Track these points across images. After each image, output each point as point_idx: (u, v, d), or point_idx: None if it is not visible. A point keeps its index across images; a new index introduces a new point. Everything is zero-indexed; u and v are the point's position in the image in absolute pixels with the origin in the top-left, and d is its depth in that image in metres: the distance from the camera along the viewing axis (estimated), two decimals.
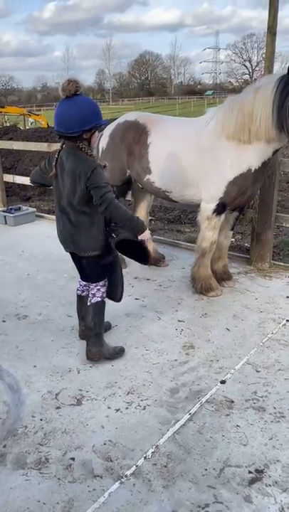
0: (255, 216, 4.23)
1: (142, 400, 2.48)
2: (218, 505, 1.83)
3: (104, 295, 2.85)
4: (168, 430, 2.25)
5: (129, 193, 4.41)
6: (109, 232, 2.68)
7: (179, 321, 3.37)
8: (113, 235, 2.66)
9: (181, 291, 3.88)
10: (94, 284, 2.82)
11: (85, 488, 1.93)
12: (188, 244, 5.00)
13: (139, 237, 2.65)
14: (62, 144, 2.58)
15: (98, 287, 2.81)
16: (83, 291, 2.97)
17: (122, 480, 1.96)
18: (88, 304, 2.84)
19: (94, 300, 2.81)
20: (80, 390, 2.58)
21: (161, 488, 1.91)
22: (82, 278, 2.95)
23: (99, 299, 2.81)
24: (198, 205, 3.66)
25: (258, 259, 4.35)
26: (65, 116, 2.46)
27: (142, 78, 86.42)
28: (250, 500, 1.85)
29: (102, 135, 4.24)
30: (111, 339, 3.09)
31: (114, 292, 2.87)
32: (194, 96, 62.89)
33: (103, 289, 2.83)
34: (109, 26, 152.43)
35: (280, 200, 7.08)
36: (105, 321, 2.96)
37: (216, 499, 1.86)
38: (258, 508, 1.81)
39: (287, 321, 3.33)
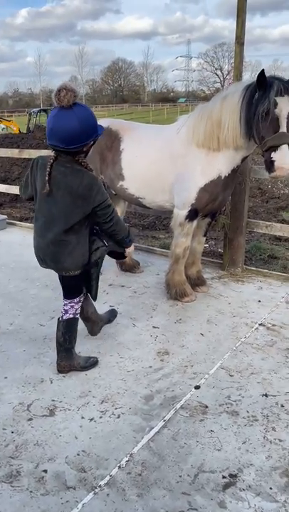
0: (227, 222, 4.28)
1: (116, 409, 2.46)
2: None
3: (78, 311, 2.79)
4: (142, 438, 2.23)
5: None
6: (95, 237, 2.61)
7: (153, 327, 3.37)
8: (104, 242, 2.63)
9: (156, 298, 3.88)
10: (68, 301, 2.73)
11: (57, 500, 1.89)
12: (163, 250, 5.02)
13: (127, 250, 2.77)
14: (56, 156, 2.39)
15: (72, 304, 2.74)
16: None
17: (96, 490, 1.93)
18: (60, 319, 2.77)
19: (65, 317, 2.74)
20: (53, 400, 2.54)
21: (135, 497, 1.90)
22: None
23: (71, 316, 2.74)
24: (171, 212, 3.69)
25: (231, 265, 4.41)
26: (65, 131, 2.27)
27: (115, 85, 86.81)
28: (225, 505, 1.85)
29: None
30: (85, 347, 3.06)
31: (90, 290, 2.78)
32: (167, 103, 63.57)
33: (77, 306, 2.76)
34: (82, 33, 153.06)
35: (251, 206, 7.22)
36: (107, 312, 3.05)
37: (191, 506, 1.85)
38: None
39: (259, 324, 3.38)
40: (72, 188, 2.37)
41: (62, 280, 2.70)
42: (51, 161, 2.39)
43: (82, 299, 2.79)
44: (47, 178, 2.36)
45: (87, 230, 2.56)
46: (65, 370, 2.79)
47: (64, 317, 2.74)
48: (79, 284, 2.71)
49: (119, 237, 2.65)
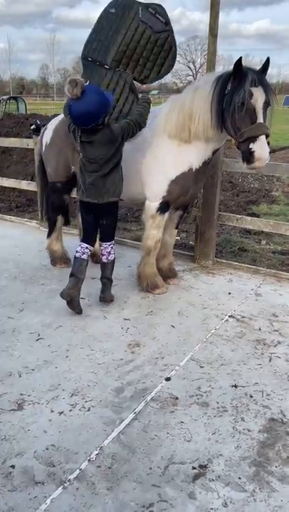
0: (198, 215, 4.30)
1: (86, 402, 2.43)
2: (163, 503, 1.83)
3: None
4: (113, 431, 2.22)
5: (75, 190, 4.33)
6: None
7: (124, 319, 3.35)
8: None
9: (127, 290, 3.86)
10: (108, 243, 3.44)
11: (25, 496, 1.86)
12: (135, 242, 4.99)
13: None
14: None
15: (112, 245, 3.47)
16: (83, 254, 3.40)
17: (65, 485, 1.91)
18: (106, 261, 3.47)
19: (110, 257, 3.48)
20: (22, 394, 2.48)
21: (105, 491, 1.88)
22: (90, 241, 3.45)
23: (114, 256, 3.51)
24: (143, 204, 3.66)
25: (202, 257, 4.43)
26: (84, 117, 2.92)
27: None
28: (194, 496, 1.87)
29: (46, 129, 4.12)
30: (54, 340, 3.02)
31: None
32: (140, 94, 63.10)
33: (114, 247, 3.49)
34: (57, 21, 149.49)
35: (222, 200, 7.27)
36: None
37: (161, 498, 1.86)
38: (202, 504, 1.83)
39: (229, 316, 3.42)
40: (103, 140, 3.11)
41: (104, 219, 3.38)
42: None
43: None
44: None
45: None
46: (108, 300, 3.55)
47: (110, 258, 3.48)
48: (116, 222, 3.46)
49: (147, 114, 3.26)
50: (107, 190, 3.23)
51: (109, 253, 3.45)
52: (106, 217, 3.37)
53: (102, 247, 3.47)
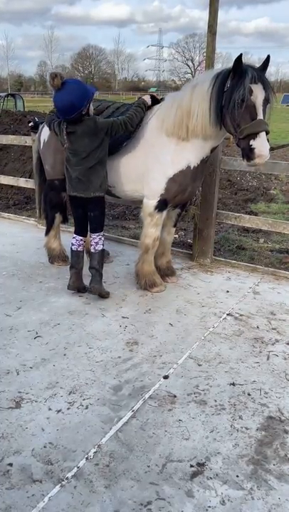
0: (197, 213, 4.29)
1: (84, 400, 2.43)
2: (161, 501, 1.83)
3: (104, 243, 3.58)
4: (111, 429, 2.21)
5: None
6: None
7: (123, 317, 3.35)
8: None
9: (126, 288, 3.85)
10: (96, 234, 3.50)
11: (23, 494, 1.85)
12: (133, 240, 4.99)
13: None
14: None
15: (100, 236, 3.52)
16: (79, 246, 3.62)
17: (63, 483, 1.90)
18: (93, 251, 3.53)
19: (98, 247, 3.52)
20: (19, 392, 2.48)
21: (103, 489, 1.88)
22: (82, 232, 3.60)
23: (102, 246, 3.55)
24: (141, 201, 3.65)
25: (200, 255, 4.43)
26: (66, 107, 3.10)
27: (86, 72, 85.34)
28: (192, 494, 1.87)
29: (43, 126, 4.11)
30: (53, 338, 3.01)
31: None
32: (138, 92, 63.07)
33: (103, 238, 3.56)
34: (56, 18, 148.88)
35: (220, 198, 7.27)
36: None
37: (159, 496, 1.86)
38: (200, 502, 1.83)
39: (227, 314, 3.42)
40: (89, 133, 3.27)
41: (91, 212, 3.47)
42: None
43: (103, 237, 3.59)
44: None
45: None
46: (97, 292, 3.54)
47: (97, 248, 3.52)
48: (103, 214, 3.52)
49: (139, 117, 3.38)
50: (92, 184, 3.35)
51: (96, 243, 3.53)
52: (93, 210, 3.48)
53: (90, 238, 3.57)
